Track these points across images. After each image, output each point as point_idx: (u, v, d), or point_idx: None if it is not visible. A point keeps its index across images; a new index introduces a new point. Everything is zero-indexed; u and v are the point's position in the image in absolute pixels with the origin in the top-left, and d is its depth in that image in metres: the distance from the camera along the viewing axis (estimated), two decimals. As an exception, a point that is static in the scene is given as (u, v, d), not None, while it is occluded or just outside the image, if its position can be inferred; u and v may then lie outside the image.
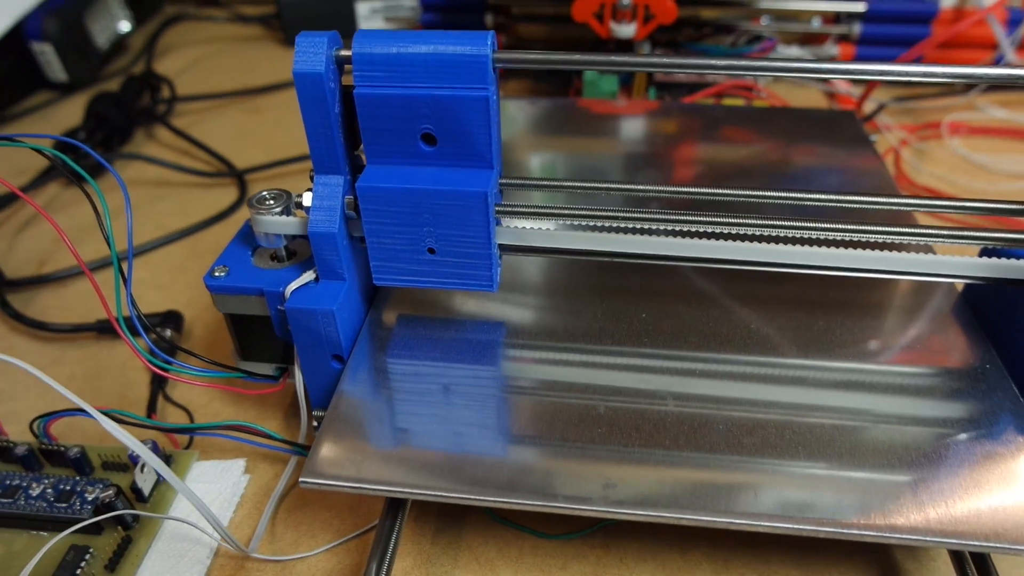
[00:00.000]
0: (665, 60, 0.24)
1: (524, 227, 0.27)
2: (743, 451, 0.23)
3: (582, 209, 0.26)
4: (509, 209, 0.26)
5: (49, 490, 0.28)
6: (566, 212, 0.26)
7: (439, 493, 0.23)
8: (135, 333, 0.27)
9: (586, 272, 0.31)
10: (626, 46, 0.53)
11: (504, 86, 0.58)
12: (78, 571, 0.26)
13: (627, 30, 0.49)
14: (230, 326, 0.29)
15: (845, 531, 0.21)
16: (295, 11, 0.66)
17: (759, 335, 0.28)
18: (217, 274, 0.28)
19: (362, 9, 0.66)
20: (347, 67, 0.25)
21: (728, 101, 0.50)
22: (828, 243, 0.26)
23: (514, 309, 0.29)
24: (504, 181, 0.26)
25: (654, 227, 0.26)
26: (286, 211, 0.27)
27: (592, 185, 0.26)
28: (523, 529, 0.27)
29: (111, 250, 0.26)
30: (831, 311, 0.29)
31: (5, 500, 0.28)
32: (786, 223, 0.25)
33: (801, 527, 0.21)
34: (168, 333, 0.35)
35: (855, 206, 0.26)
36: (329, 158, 0.26)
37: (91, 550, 0.27)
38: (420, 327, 0.29)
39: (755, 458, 0.23)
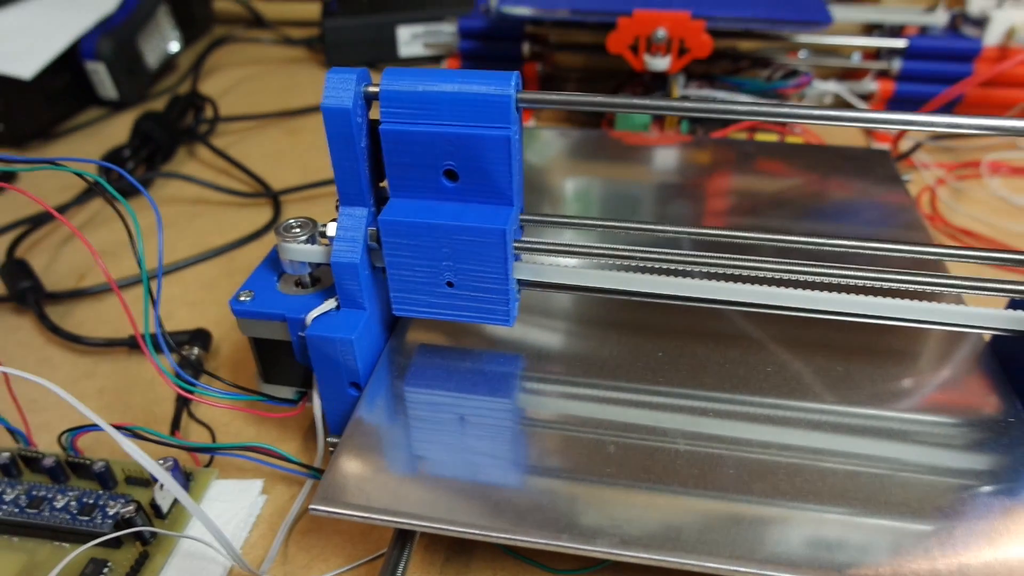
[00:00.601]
0: (688, 105, 0.24)
1: (543, 264, 0.27)
2: (753, 495, 0.23)
3: (601, 248, 0.26)
4: (528, 246, 0.26)
5: (73, 503, 0.29)
6: (585, 251, 0.26)
7: (445, 527, 0.23)
8: (160, 351, 0.27)
9: (605, 307, 0.31)
10: (661, 78, 0.53)
11: (538, 114, 0.59)
12: (96, 584, 0.27)
13: (661, 63, 0.49)
14: (254, 349, 0.30)
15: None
16: (338, 35, 0.68)
17: (777, 377, 0.27)
18: (243, 299, 0.28)
19: (403, 34, 0.67)
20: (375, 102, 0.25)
21: (761, 136, 0.50)
22: (853, 289, 0.26)
23: (532, 341, 0.30)
24: (525, 217, 0.27)
25: (674, 268, 0.26)
26: (311, 239, 0.28)
27: (613, 224, 0.26)
28: (531, 563, 0.27)
29: (141, 269, 0.27)
30: (852, 356, 0.28)
31: (31, 510, 0.29)
32: (810, 268, 0.25)
33: (808, 578, 0.21)
34: (196, 351, 0.36)
35: (881, 253, 0.26)
36: (354, 190, 0.26)
37: (110, 563, 0.27)
38: (438, 357, 0.29)
39: (765, 503, 0.23)
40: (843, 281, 0.26)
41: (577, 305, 0.31)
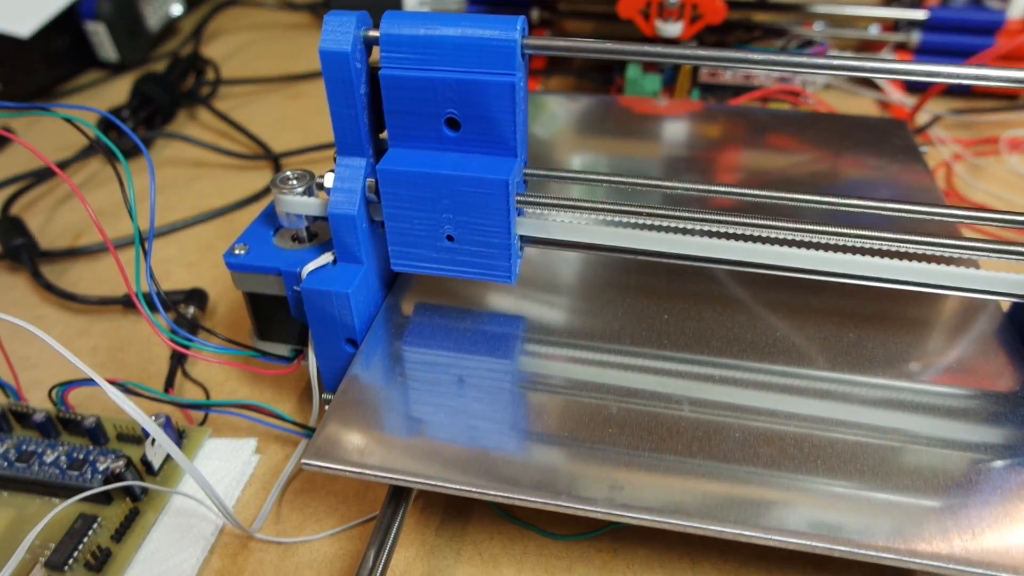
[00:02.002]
0: (704, 52, 0.23)
1: (547, 219, 0.26)
2: (759, 462, 0.22)
3: (608, 204, 0.25)
4: (531, 200, 0.25)
5: (63, 457, 0.28)
6: (590, 206, 0.26)
7: (441, 483, 0.22)
8: (155, 310, 0.27)
9: (609, 270, 0.30)
10: (673, 45, 0.52)
11: (545, 82, 0.57)
12: (85, 539, 0.26)
13: (673, 29, 0.48)
14: (249, 305, 0.29)
15: (862, 552, 0.20)
16: (343, 1, 0.67)
17: (785, 344, 0.26)
18: (237, 252, 0.28)
19: (409, 2, 0.66)
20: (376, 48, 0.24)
21: (774, 106, 0.48)
22: (866, 252, 0.25)
23: (534, 303, 0.29)
24: (529, 172, 0.26)
25: (682, 226, 0.25)
26: (308, 192, 0.27)
27: (620, 180, 0.26)
28: (529, 527, 0.27)
29: (134, 226, 0.26)
30: (865, 324, 0.27)
31: (20, 464, 0.28)
32: (823, 229, 0.24)
33: (816, 544, 0.20)
34: (191, 310, 0.35)
35: (897, 215, 0.25)
36: (352, 140, 0.25)
37: (99, 519, 0.27)
38: (437, 316, 0.28)
39: (771, 470, 0.22)
40: (857, 243, 0.25)
41: (580, 267, 0.30)
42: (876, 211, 0.25)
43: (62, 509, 0.26)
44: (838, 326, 0.27)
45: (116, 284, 0.39)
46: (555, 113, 0.44)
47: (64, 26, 0.58)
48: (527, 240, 0.27)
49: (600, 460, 0.23)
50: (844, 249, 0.25)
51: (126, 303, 0.37)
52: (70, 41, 0.59)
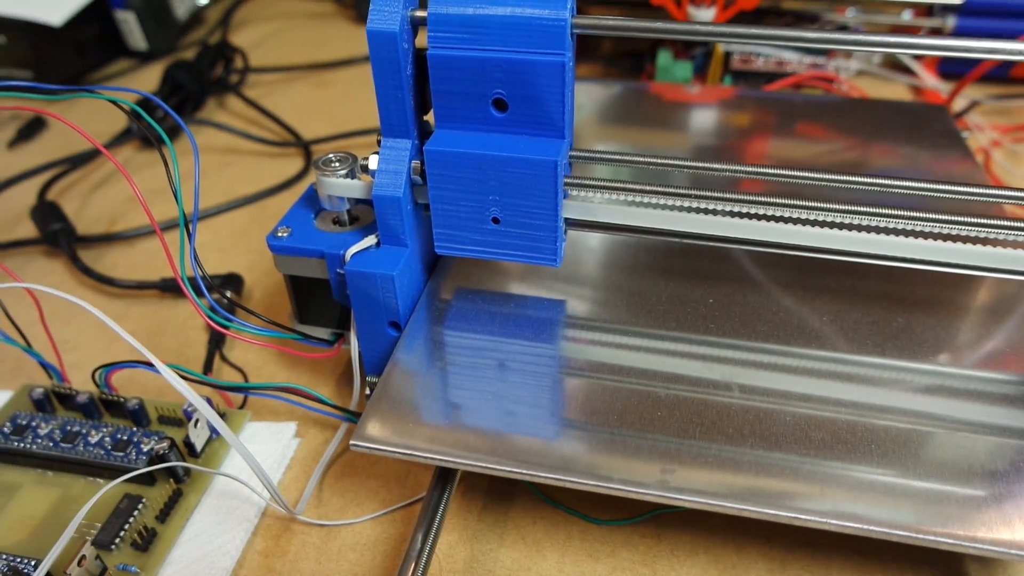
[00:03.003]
0: (740, 30, 0.23)
1: (593, 201, 0.26)
2: (810, 446, 0.22)
3: (654, 186, 0.25)
4: (578, 182, 0.25)
5: (107, 438, 0.29)
6: (637, 188, 0.25)
7: (491, 465, 0.22)
8: (199, 293, 0.27)
9: (652, 254, 0.30)
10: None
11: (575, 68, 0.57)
12: (131, 519, 0.26)
13: (706, 15, 0.48)
14: (289, 288, 0.29)
15: (922, 536, 0.20)
16: (366, -11, 0.67)
17: (832, 329, 0.26)
18: (280, 235, 0.28)
19: (435, -11, 0.66)
20: (423, 29, 0.24)
21: (807, 92, 0.48)
22: (914, 234, 0.25)
23: (576, 288, 0.29)
24: (575, 153, 0.26)
25: (727, 208, 0.25)
26: (351, 174, 0.27)
27: (665, 162, 0.25)
28: (572, 512, 0.26)
29: (179, 208, 0.26)
30: (913, 308, 0.27)
31: (65, 445, 0.28)
32: (869, 210, 0.24)
33: (872, 528, 0.20)
34: (228, 294, 0.35)
35: (943, 195, 0.24)
36: (398, 121, 0.25)
37: (144, 500, 0.27)
38: (480, 300, 0.28)
39: (822, 454, 0.22)
40: (905, 225, 0.24)
41: (624, 252, 0.30)
42: (923, 192, 0.24)
43: (109, 489, 0.26)
44: (886, 311, 0.27)
45: (151, 269, 0.39)
46: (586, 100, 0.44)
47: (94, 15, 0.58)
48: (573, 223, 0.26)
49: (650, 444, 0.23)
50: (890, 232, 0.25)
51: (163, 287, 0.37)
52: (100, 30, 0.59)
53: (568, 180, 0.25)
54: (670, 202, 0.25)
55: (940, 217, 0.24)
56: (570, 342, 0.27)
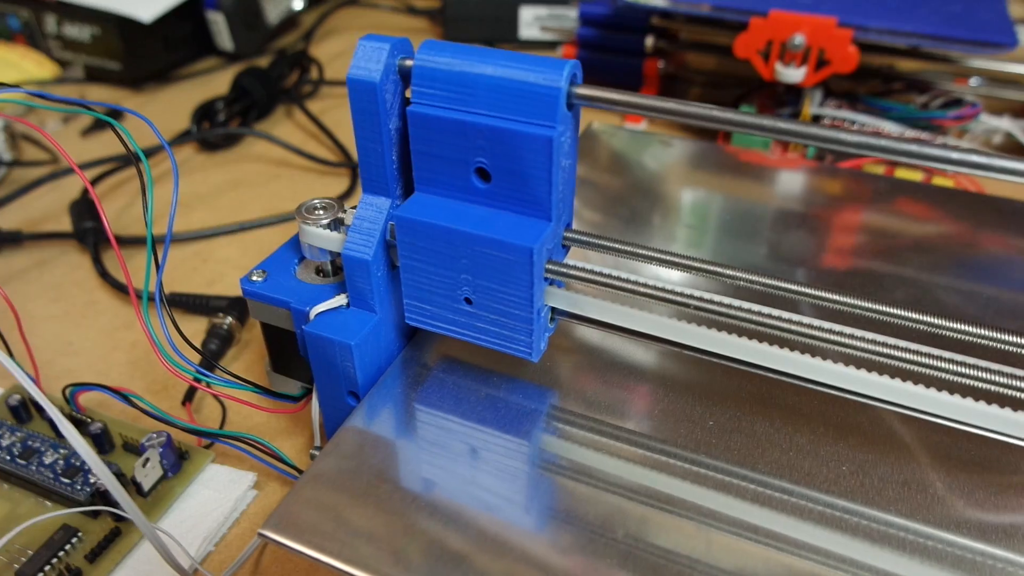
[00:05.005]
0: (802, 129, 0.19)
1: (583, 294, 0.23)
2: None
3: (658, 289, 0.22)
4: (565, 271, 0.22)
5: (61, 461, 0.28)
6: (631, 287, 0.22)
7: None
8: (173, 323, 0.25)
9: (656, 354, 0.26)
10: (794, 92, 0.47)
11: (651, 120, 0.53)
12: (60, 553, 0.25)
13: (795, 75, 0.43)
14: (264, 334, 0.28)
15: None
16: (459, 9, 0.65)
17: (853, 480, 0.22)
18: (255, 278, 0.26)
19: (525, 15, 0.64)
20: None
21: (902, 173, 0.42)
22: (975, 393, 0.20)
23: (566, 374, 0.25)
24: (570, 236, 0.22)
25: (742, 325, 0.21)
26: (334, 224, 0.25)
27: (673, 260, 0.22)
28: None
29: (147, 233, 0.25)
30: (959, 473, 0.22)
31: (20, 461, 0.28)
32: (921, 354, 0.20)
33: None
34: (228, 321, 0.34)
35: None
36: (377, 177, 0.23)
37: (80, 534, 0.26)
38: (459, 373, 0.25)
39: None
40: (965, 381, 0.20)
41: (625, 345, 0.27)
42: (999, 344, 0.20)
43: (43, 520, 0.25)
44: (921, 470, 0.22)
45: (171, 280, 0.39)
46: (653, 154, 0.41)
47: (187, 14, 0.59)
48: (561, 313, 0.23)
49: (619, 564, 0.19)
50: (944, 385, 0.20)
51: (171, 302, 0.36)
52: (191, 29, 0.61)
53: (555, 267, 0.22)
54: (675, 307, 0.22)
55: (1006, 371, 0.19)
56: (550, 436, 0.23)
